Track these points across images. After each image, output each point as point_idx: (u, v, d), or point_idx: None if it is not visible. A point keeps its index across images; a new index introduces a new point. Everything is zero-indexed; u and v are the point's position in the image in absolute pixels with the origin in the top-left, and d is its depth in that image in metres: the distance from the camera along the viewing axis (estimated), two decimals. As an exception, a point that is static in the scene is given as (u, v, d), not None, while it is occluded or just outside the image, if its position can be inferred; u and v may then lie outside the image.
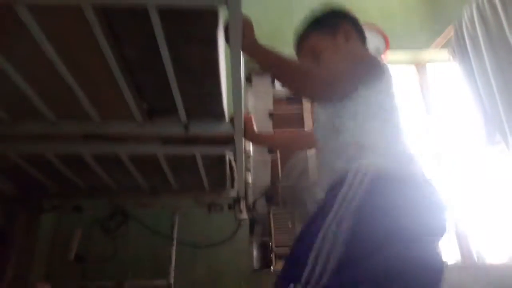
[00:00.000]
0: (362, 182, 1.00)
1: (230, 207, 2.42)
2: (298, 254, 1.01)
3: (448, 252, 2.89)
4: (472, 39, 2.83)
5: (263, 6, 3.24)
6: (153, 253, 2.52)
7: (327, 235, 0.94)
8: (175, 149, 1.72)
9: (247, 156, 2.75)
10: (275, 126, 3.14)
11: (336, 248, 0.91)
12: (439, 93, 3.44)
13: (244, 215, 2.40)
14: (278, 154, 2.90)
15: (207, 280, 2.58)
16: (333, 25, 1.48)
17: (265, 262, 2.71)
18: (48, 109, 1.44)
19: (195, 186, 2.23)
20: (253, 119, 1.78)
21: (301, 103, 3.27)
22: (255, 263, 2.68)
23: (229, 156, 1.93)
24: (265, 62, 1.29)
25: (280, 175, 2.71)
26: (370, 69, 1.26)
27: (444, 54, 3.22)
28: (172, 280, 2.28)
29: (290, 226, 2.59)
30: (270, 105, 3.24)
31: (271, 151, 2.97)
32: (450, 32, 3.09)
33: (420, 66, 3.55)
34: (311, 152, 2.64)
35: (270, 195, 2.80)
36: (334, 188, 1.06)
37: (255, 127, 1.78)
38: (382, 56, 3.07)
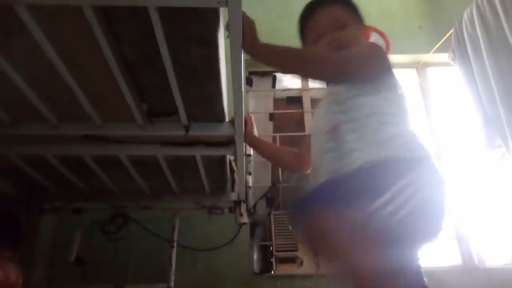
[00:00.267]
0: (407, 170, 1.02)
1: (230, 210, 2.41)
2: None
3: (449, 255, 2.88)
4: (472, 41, 2.83)
5: (263, 6, 3.24)
6: (153, 256, 2.51)
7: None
8: (176, 151, 1.72)
9: (248, 158, 2.75)
10: (275, 127, 3.15)
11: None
12: (439, 96, 3.44)
13: (245, 219, 2.40)
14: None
15: (208, 283, 2.57)
16: (362, 18, 1.43)
17: (266, 265, 2.70)
18: (49, 111, 1.44)
19: (195, 188, 2.22)
20: (253, 121, 1.72)
21: (301, 103, 3.27)
22: (256, 267, 2.68)
23: (229, 158, 1.93)
24: (271, 57, 1.28)
25: (280, 177, 2.71)
26: (387, 63, 1.29)
27: (445, 57, 3.22)
28: (172, 284, 2.28)
29: (290, 229, 2.58)
30: (270, 106, 3.25)
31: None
32: (450, 35, 3.09)
33: (420, 69, 3.55)
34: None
35: (271, 197, 2.80)
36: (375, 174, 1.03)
37: (255, 130, 1.72)
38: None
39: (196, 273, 2.57)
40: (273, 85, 3.30)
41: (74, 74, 1.26)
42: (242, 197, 2.33)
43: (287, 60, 1.26)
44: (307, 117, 3.15)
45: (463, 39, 2.93)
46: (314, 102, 3.17)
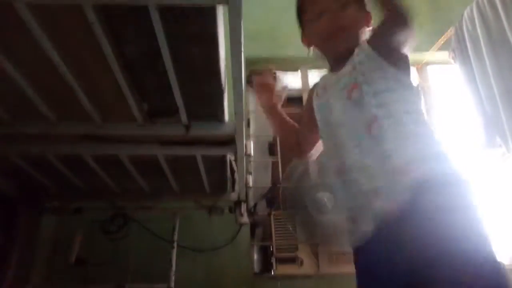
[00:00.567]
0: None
1: (230, 210, 2.42)
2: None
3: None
4: (472, 40, 2.83)
5: (263, 6, 3.24)
6: (153, 256, 2.51)
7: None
8: (176, 150, 1.72)
9: (248, 158, 2.75)
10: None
11: None
12: (440, 95, 3.44)
13: (245, 219, 2.40)
14: (279, 156, 2.89)
15: (208, 283, 2.57)
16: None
17: (266, 266, 2.69)
18: (49, 110, 1.44)
19: (196, 188, 2.22)
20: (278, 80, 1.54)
21: (301, 103, 3.27)
22: (256, 267, 2.67)
23: (230, 158, 1.93)
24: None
25: (281, 177, 2.71)
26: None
27: (445, 56, 3.22)
28: (172, 284, 2.27)
29: (290, 229, 2.57)
30: (270, 106, 3.25)
31: (272, 153, 2.97)
32: (450, 34, 3.09)
33: (421, 68, 3.55)
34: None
35: (271, 197, 2.80)
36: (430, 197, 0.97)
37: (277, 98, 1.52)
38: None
39: (196, 273, 2.57)
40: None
41: (75, 73, 1.26)
42: (243, 197, 2.33)
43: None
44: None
45: (464, 38, 2.93)
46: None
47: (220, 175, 2.05)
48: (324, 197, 2.28)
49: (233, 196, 2.33)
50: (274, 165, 2.91)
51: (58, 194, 2.19)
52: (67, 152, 1.73)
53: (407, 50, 1.17)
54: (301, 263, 2.62)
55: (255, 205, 2.78)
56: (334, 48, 1.27)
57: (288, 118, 1.52)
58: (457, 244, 0.90)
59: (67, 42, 1.17)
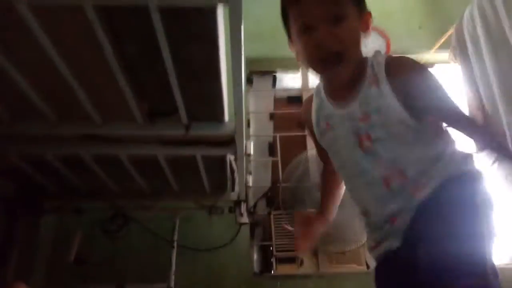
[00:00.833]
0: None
1: (230, 210, 2.42)
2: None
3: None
4: (473, 41, 2.83)
5: (263, 6, 3.23)
6: (153, 256, 2.51)
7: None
8: (176, 150, 1.72)
9: (248, 157, 2.75)
10: (275, 126, 3.14)
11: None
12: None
13: (245, 219, 2.40)
14: (279, 156, 2.89)
15: (208, 283, 2.57)
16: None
17: (266, 265, 2.69)
18: (49, 110, 1.44)
19: (196, 188, 2.22)
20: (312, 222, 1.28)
21: (301, 103, 3.27)
22: (256, 267, 2.67)
23: (230, 157, 1.93)
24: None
25: (281, 176, 2.71)
26: None
27: (445, 56, 3.22)
28: (172, 283, 2.27)
29: (290, 228, 2.57)
30: (270, 106, 3.24)
31: (272, 152, 2.98)
32: (450, 34, 3.09)
33: (420, 68, 3.55)
34: (312, 153, 2.63)
35: (271, 197, 2.80)
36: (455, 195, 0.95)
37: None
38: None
39: (196, 273, 2.57)
40: (274, 85, 3.29)
41: (75, 73, 1.26)
42: (242, 197, 2.33)
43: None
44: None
45: (464, 38, 2.93)
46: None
47: (220, 175, 2.05)
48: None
49: (233, 196, 2.33)
50: (274, 164, 2.91)
51: (58, 194, 2.19)
52: (67, 152, 1.73)
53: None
54: (301, 262, 2.62)
55: (255, 205, 2.78)
56: (330, 77, 1.08)
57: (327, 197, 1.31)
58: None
59: (67, 42, 1.17)
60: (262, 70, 3.29)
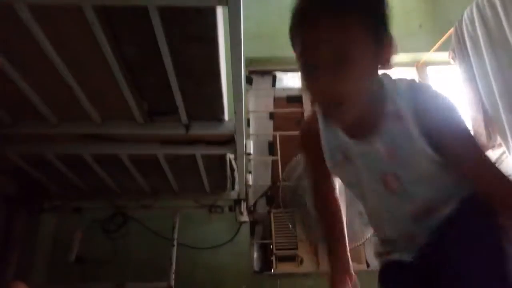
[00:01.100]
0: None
1: (230, 208, 2.42)
2: None
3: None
4: (472, 41, 2.83)
5: (263, 6, 3.24)
6: (153, 254, 2.51)
7: None
8: (176, 149, 1.73)
9: (248, 156, 2.75)
10: (275, 125, 3.15)
11: None
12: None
13: (245, 217, 2.40)
14: (279, 154, 2.89)
15: (208, 282, 2.57)
16: (386, 31, 0.95)
17: (266, 264, 2.70)
18: (49, 110, 1.45)
19: (195, 187, 2.23)
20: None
21: (301, 103, 3.27)
22: (256, 265, 2.68)
23: (229, 156, 1.93)
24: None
25: (281, 175, 2.71)
26: None
27: (445, 56, 3.22)
28: (172, 282, 2.28)
29: (290, 227, 2.58)
30: (270, 105, 3.25)
31: (271, 151, 2.98)
32: (450, 34, 3.09)
33: (421, 68, 3.54)
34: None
35: (271, 196, 2.80)
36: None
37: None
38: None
39: (196, 271, 2.57)
40: (273, 84, 3.29)
41: (74, 73, 1.27)
42: (242, 195, 2.34)
43: None
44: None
45: (463, 38, 2.93)
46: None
47: (220, 174, 2.06)
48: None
49: (233, 194, 2.34)
50: (274, 163, 2.91)
51: (58, 194, 2.19)
52: (67, 152, 1.73)
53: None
54: (301, 261, 2.62)
55: (255, 204, 2.78)
56: (338, 119, 0.95)
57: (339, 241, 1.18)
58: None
59: (67, 42, 1.17)
60: (262, 70, 3.30)
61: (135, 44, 1.21)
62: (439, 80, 3.52)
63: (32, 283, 2.16)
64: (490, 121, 2.75)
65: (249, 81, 3.21)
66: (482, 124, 2.82)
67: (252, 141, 2.91)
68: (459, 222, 0.92)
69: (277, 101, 3.27)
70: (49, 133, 1.54)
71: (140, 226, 2.45)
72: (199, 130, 1.58)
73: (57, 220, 2.61)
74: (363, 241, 2.42)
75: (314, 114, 1.07)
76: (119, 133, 1.61)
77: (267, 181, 2.94)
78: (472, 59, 2.86)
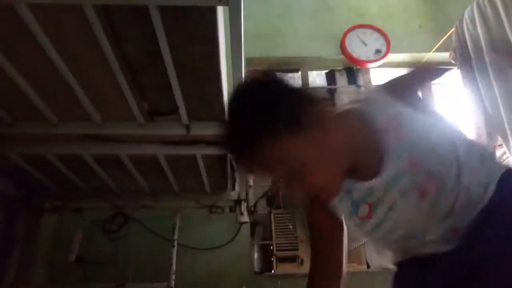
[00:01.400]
0: None
1: (231, 209, 2.42)
2: None
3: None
4: (473, 41, 2.83)
5: (263, 6, 3.24)
6: (153, 255, 2.51)
7: None
8: (176, 150, 1.72)
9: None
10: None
11: None
12: (440, 96, 3.43)
13: (245, 218, 2.40)
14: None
15: (208, 282, 2.57)
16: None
17: (266, 264, 2.70)
18: (49, 110, 1.44)
19: (196, 188, 2.23)
20: None
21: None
22: (256, 266, 2.67)
23: (230, 157, 1.93)
24: None
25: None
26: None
27: (445, 56, 3.21)
28: (172, 283, 2.27)
29: (291, 228, 2.58)
30: (270, 106, 3.25)
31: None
32: (450, 34, 3.08)
33: (421, 68, 3.54)
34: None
35: (271, 196, 2.80)
36: None
37: None
38: (383, 57, 3.07)
39: (196, 272, 2.57)
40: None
41: (75, 73, 1.26)
42: (243, 196, 2.34)
43: None
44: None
45: (464, 38, 2.93)
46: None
47: (220, 174, 2.06)
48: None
49: (233, 195, 2.34)
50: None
51: (58, 194, 2.19)
52: (67, 152, 1.73)
53: None
54: (301, 262, 2.61)
55: (255, 204, 2.78)
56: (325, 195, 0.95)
57: None
58: None
59: (67, 42, 1.17)
60: (262, 70, 3.30)
61: (136, 44, 1.21)
62: (440, 81, 3.51)
63: (33, 283, 2.16)
64: (490, 121, 2.75)
65: (249, 81, 3.21)
66: (482, 124, 2.82)
67: (252, 141, 2.90)
68: (502, 206, 0.86)
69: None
70: (49, 133, 1.54)
71: (140, 226, 2.45)
72: (200, 130, 1.58)
73: (57, 220, 2.61)
74: (363, 242, 2.41)
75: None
76: (119, 133, 1.61)
77: (267, 181, 2.94)
78: (473, 59, 2.86)
